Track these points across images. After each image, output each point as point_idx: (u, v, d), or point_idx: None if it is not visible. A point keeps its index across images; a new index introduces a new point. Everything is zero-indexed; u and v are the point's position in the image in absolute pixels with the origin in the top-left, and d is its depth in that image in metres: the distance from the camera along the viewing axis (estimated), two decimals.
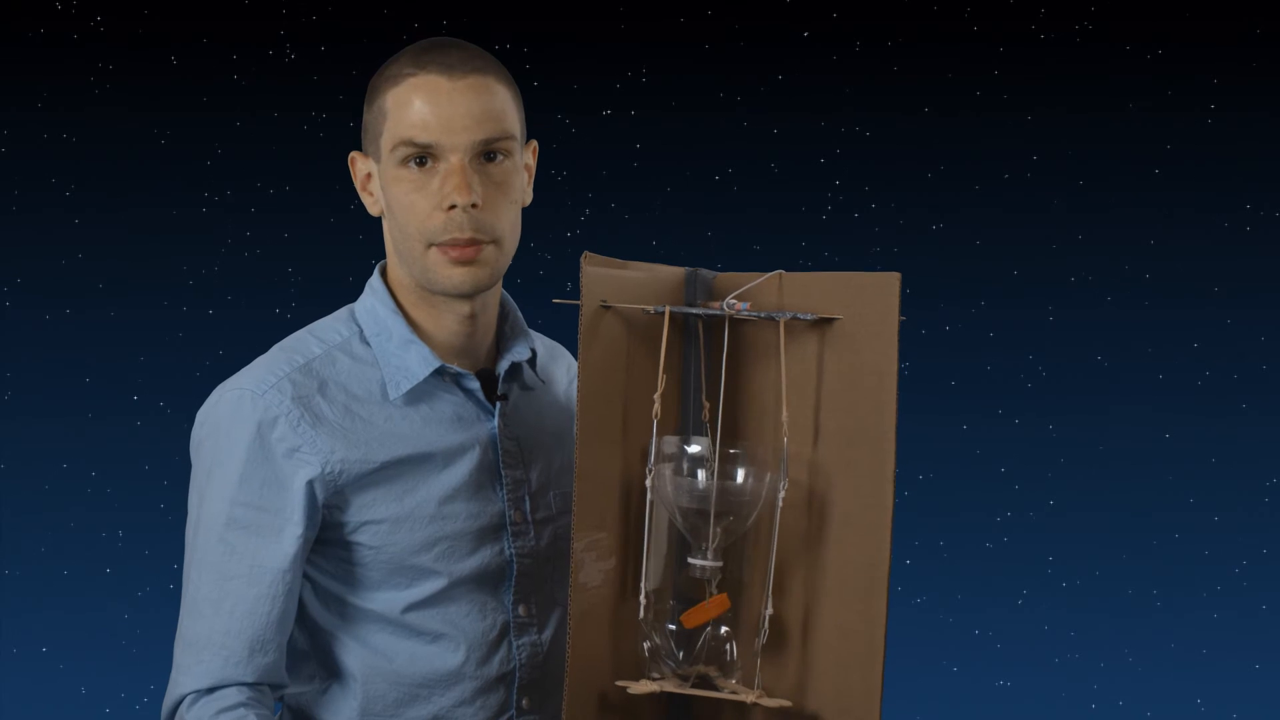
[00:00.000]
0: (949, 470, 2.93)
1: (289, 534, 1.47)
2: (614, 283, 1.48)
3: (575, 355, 1.46)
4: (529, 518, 1.58)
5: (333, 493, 1.49)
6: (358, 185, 1.55)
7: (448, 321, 1.55)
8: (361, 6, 2.80)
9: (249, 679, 1.47)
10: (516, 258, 1.54)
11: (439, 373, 1.53)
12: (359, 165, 1.55)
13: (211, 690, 1.46)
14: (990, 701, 2.93)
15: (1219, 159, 2.88)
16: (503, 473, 1.56)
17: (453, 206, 1.46)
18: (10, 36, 2.74)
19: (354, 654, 1.53)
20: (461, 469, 1.54)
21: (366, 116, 1.52)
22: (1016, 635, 2.94)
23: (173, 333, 2.82)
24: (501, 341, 1.61)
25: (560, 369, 1.71)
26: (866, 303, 1.46)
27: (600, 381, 1.46)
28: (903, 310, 1.44)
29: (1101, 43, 2.85)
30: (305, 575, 1.52)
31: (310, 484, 1.47)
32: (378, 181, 1.52)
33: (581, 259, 1.44)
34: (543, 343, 1.69)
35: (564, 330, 1.64)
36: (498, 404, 1.57)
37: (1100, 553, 2.93)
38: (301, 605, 1.54)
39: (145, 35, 2.76)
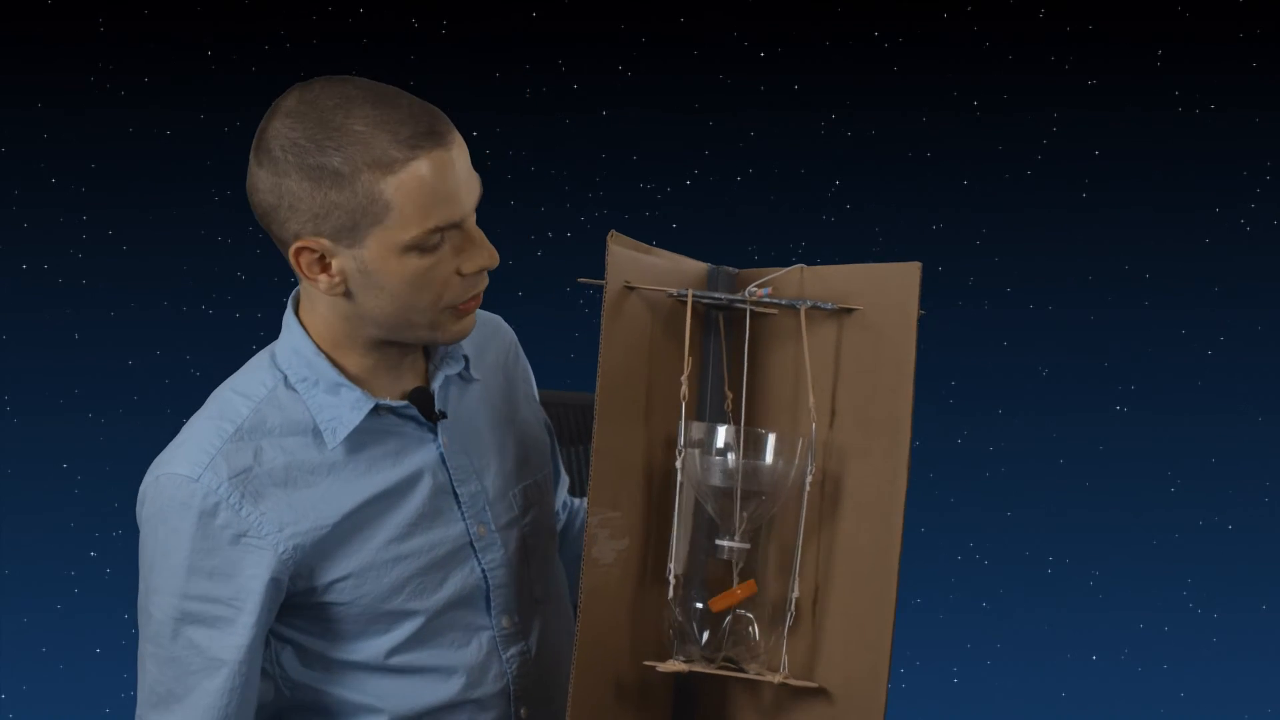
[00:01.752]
0: (949, 470, 2.94)
1: (243, 623, 1.43)
2: (638, 266, 1.48)
3: (593, 336, 1.44)
4: (492, 527, 1.55)
5: (294, 569, 1.44)
6: (302, 271, 1.40)
7: (388, 359, 1.48)
8: (363, 6, 2.80)
9: None
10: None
11: (373, 409, 1.46)
12: (308, 255, 1.38)
13: None
14: (990, 702, 2.93)
15: (1219, 159, 2.88)
16: (458, 491, 1.52)
17: (481, 270, 1.41)
18: (10, 37, 2.73)
19: (346, 702, 1.52)
20: (415, 501, 1.49)
21: (333, 198, 1.35)
22: (1016, 636, 2.94)
23: (174, 332, 2.82)
24: (432, 353, 1.54)
25: (492, 348, 1.64)
26: (886, 293, 1.47)
27: (621, 361, 1.46)
28: (920, 304, 1.45)
29: (1101, 43, 2.85)
30: (284, 638, 1.50)
31: (270, 572, 1.42)
32: (350, 267, 1.38)
33: (607, 238, 1.44)
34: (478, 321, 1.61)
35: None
36: (440, 423, 1.52)
37: (1100, 553, 2.93)
38: (284, 670, 1.51)
39: (145, 35, 2.76)
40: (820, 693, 1.50)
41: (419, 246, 1.37)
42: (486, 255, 1.40)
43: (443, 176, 1.36)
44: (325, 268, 1.40)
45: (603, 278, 1.44)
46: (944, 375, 2.92)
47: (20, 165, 2.77)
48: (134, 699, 1.51)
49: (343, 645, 1.50)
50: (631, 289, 1.47)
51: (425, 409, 1.51)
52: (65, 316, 2.81)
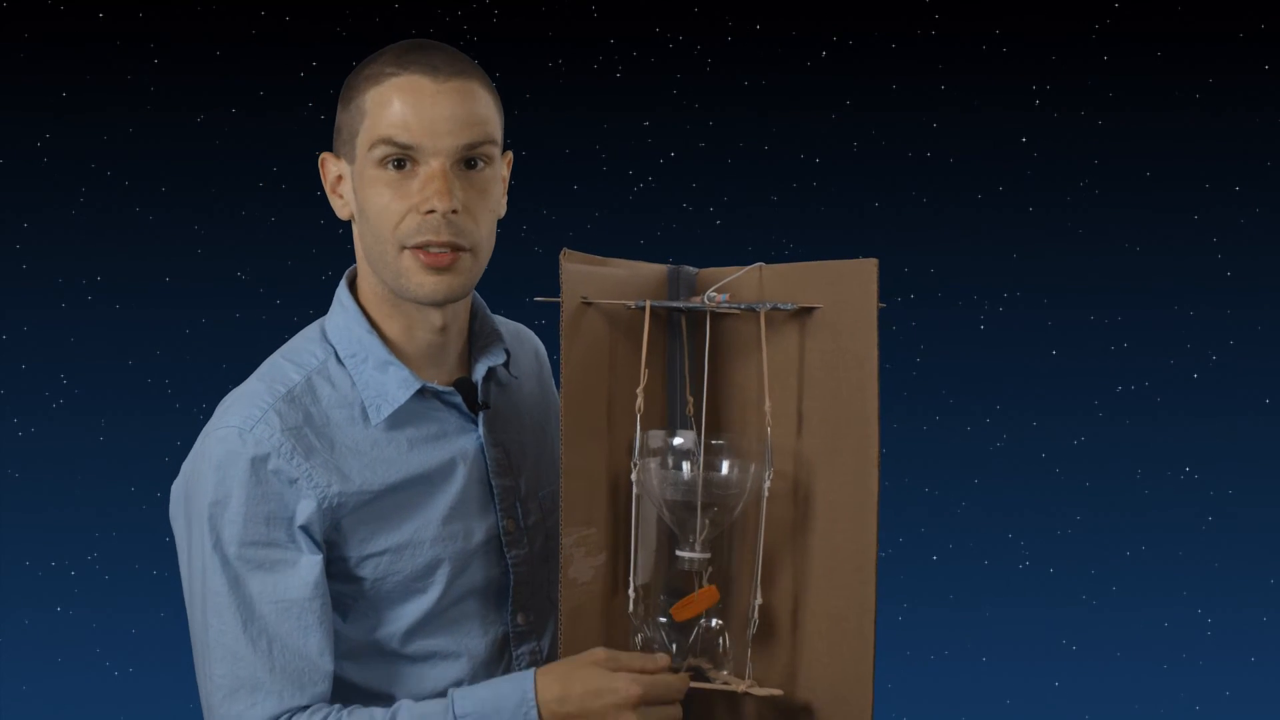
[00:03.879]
0: (948, 470, 2.94)
1: (305, 563, 1.44)
2: (595, 280, 1.48)
3: (557, 353, 1.45)
4: (522, 525, 1.56)
5: (330, 526, 1.45)
6: (327, 188, 1.51)
7: (420, 331, 1.51)
8: (360, 6, 2.80)
9: (306, 703, 1.44)
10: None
11: (419, 391, 1.50)
12: (330, 167, 1.51)
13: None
14: (989, 702, 2.93)
15: (1220, 158, 2.88)
16: (494, 483, 1.54)
17: (431, 211, 1.42)
18: (9, 37, 2.74)
19: (355, 687, 1.51)
20: (455, 486, 1.52)
21: (341, 116, 1.48)
22: (1016, 636, 2.94)
23: (173, 332, 2.83)
24: (474, 342, 1.58)
25: (527, 354, 1.68)
26: (845, 290, 1.46)
27: (583, 378, 1.46)
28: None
29: (1101, 43, 2.85)
30: None
31: (309, 518, 1.44)
32: (350, 184, 1.48)
33: (561, 256, 1.44)
34: (506, 329, 1.66)
35: (546, 329, 1.64)
36: (481, 414, 1.54)
37: (1100, 553, 2.94)
38: None
39: (145, 36, 2.76)
40: (805, 700, 1.50)
41: (379, 161, 1.43)
42: (439, 197, 1.42)
43: (415, 97, 1.42)
44: (339, 191, 1.50)
45: (558, 296, 1.44)
46: (944, 376, 2.92)
47: (21, 165, 2.78)
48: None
49: (361, 623, 1.50)
50: (589, 304, 1.47)
51: (469, 399, 1.53)
52: (65, 316, 2.81)
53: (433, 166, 1.42)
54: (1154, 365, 2.91)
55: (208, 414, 1.51)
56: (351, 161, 1.47)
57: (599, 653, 1.42)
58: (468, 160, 1.44)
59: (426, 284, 1.45)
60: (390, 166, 1.43)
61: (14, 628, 2.80)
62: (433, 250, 1.43)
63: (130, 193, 2.80)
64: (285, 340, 1.56)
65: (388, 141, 1.42)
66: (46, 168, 2.78)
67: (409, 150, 1.42)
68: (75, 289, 2.81)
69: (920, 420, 2.91)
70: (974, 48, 2.86)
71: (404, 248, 1.44)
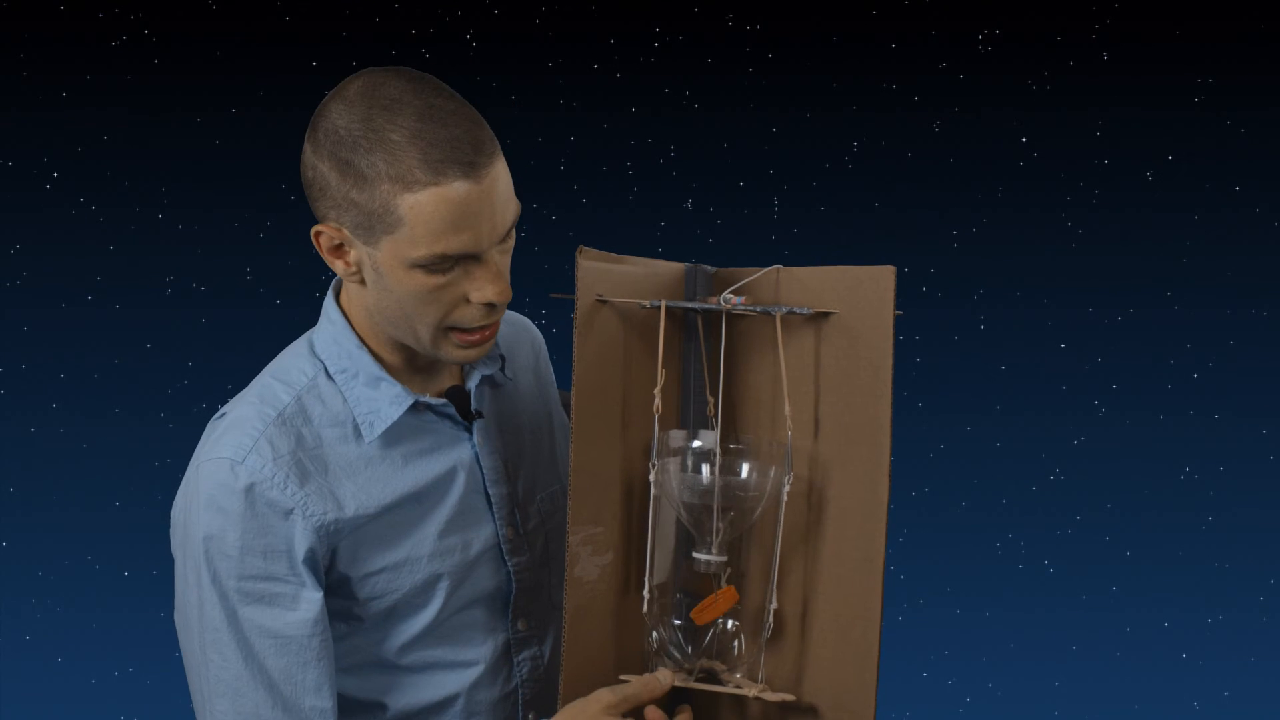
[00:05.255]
0: (948, 470, 2.94)
1: (305, 598, 1.41)
2: (611, 278, 1.47)
3: (565, 349, 1.44)
4: (521, 531, 1.55)
5: (329, 550, 1.43)
6: (324, 253, 1.41)
7: (420, 355, 1.48)
8: (356, 8, 2.80)
9: None
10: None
11: (412, 405, 1.47)
12: (328, 238, 1.39)
13: None
14: (990, 703, 2.93)
15: (1220, 158, 2.88)
16: (490, 492, 1.53)
17: (490, 304, 1.38)
18: (9, 37, 2.73)
19: (350, 699, 1.50)
20: (451, 499, 1.50)
21: (354, 196, 1.34)
22: (1016, 636, 2.94)
23: (173, 332, 2.83)
24: None
25: (524, 347, 1.66)
26: (862, 296, 1.46)
27: (596, 376, 1.46)
28: (900, 305, 1.44)
29: (1102, 42, 2.85)
30: None
31: (310, 548, 1.41)
32: (365, 260, 1.38)
33: (577, 253, 1.43)
34: (504, 324, 1.62)
35: (551, 329, 1.63)
36: (475, 423, 1.52)
37: (1100, 553, 2.94)
38: None
39: (145, 36, 2.76)
40: (808, 702, 1.50)
41: (426, 266, 1.35)
42: (495, 291, 1.37)
43: (462, 208, 1.33)
44: (343, 255, 1.39)
45: (572, 293, 1.43)
46: (944, 376, 2.92)
47: (21, 165, 2.78)
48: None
49: (362, 640, 1.49)
50: (604, 302, 1.46)
51: (461, 408, 1.51)
52: (65, 316, 2.81)
53: (486, 263, 1.37)
54: (1154, 365, 2.91)
55: (208, 414, 1.50)
56: (372, 246, 1.36)
57: (605, 695, 1.41)
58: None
59: (460, 354, 1.42)
60: (437, 268, 1.36)
61: (14, 628, 2.80)
62: (479, 329, 1.41)
63: (130, 193, 2.80)
64: (285, 340, 1.55)
65: (443, 257, 1.34)
66: (46, 168, 2.78)
67: (464, 255, 1.36)
68: (75, 289, 2.81)
69: (920, 420, 2.91)
70: (974, 48, 2.86)
71: (449, 330, 1.40)
